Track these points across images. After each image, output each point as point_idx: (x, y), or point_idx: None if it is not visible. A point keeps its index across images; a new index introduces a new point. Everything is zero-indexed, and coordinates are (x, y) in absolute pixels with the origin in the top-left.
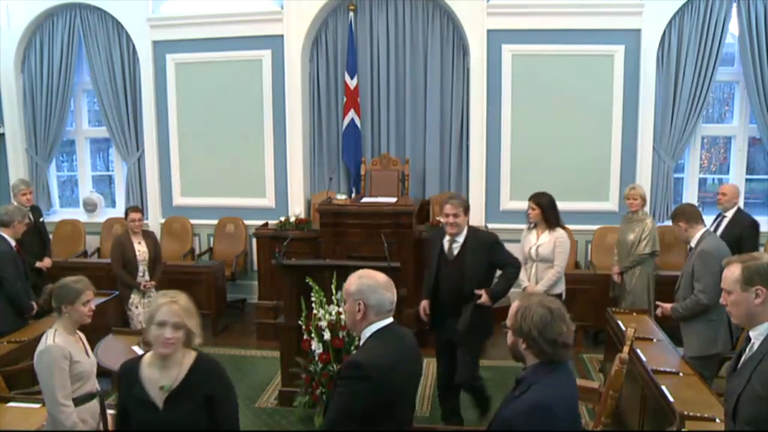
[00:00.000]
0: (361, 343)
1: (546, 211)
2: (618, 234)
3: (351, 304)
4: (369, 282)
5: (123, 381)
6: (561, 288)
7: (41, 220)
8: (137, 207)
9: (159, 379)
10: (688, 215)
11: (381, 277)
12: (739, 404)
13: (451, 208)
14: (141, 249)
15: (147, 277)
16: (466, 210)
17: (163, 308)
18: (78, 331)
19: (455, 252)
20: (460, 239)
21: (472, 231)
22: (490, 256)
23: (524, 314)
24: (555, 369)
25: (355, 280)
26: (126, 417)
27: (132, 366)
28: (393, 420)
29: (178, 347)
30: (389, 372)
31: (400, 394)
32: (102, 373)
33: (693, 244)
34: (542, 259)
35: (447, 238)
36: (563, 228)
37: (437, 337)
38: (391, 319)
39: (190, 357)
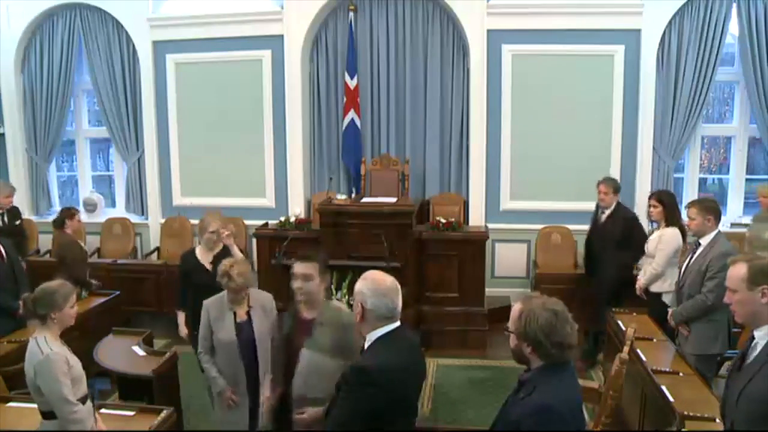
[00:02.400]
0: (366, 347)
1: (667, 209)
2: (751, 231)
3: (354, 304)
4: (369, 285)
5: (186, 263)
6: (663, 287)
7: (17, 222)
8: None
9: (208, 257)
10: (717, 213)
11: (386, 281)
12: (740, 403)
13: (604, 188)
14: (85, 249)
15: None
16: (615, 190)
17: (208, 218)
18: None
19: (603, 219)
20: (608, 211)
21: (618, 206)
22: (625, 227)
23: (529, 318)
24: (559, 370)
25: (360, 281)
26: (188, 280)
27: (191, 254)
28: (395, 422)
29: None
30: (395, 376)
31: (404, 398)
32: (101, 373)
33: (704, 241)
34: (649, 254)
35: (600, 209)
36: (680, 228)
37: (591, 276)
38: (397, 323)
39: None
